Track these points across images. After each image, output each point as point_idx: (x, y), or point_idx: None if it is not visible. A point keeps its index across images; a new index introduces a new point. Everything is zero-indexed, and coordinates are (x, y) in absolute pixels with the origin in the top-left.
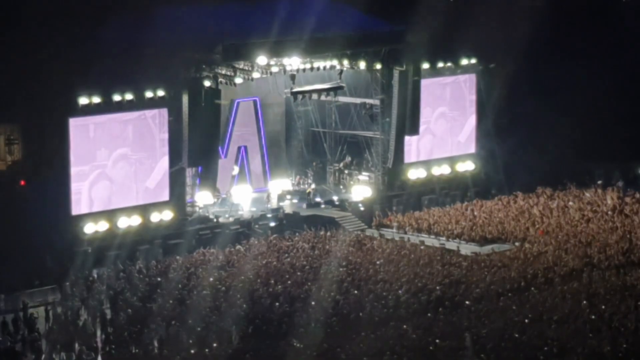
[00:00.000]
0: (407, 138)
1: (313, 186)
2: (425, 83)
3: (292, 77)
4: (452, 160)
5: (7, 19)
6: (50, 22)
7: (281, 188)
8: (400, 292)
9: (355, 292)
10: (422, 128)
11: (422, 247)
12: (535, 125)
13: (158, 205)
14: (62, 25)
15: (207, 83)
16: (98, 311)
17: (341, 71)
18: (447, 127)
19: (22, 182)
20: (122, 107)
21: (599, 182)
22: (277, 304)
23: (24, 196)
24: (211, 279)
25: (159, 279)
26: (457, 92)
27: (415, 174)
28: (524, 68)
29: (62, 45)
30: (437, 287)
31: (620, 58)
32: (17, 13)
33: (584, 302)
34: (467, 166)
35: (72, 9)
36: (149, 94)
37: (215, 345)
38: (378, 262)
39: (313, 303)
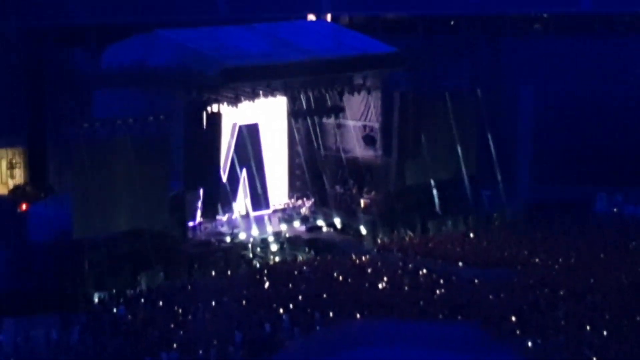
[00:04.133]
0: (408, 160)
1: (312, 209)
2: (425, 103)
3: (293, 99)
4: (453, 181)
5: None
6: (54, 46)
7: (281, 211)
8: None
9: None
10: (422, 149)
11: (424, 271)
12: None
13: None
14: (65, 49)
15: (207, 106)
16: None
17: (341, 93)
18: (449, 148)
19: (24, 206)
20: (124, 130)
21: None
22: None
23: (25, 220)
24: None
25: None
26: (457, 112)
27: (417, 196)
28: None
29: (66, 69)
30: (439, 312)
31: None
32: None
33: None
34: (467, 188)
35: (74, 34)
36: (150, 118)
37: None
38: (380, 286)
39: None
